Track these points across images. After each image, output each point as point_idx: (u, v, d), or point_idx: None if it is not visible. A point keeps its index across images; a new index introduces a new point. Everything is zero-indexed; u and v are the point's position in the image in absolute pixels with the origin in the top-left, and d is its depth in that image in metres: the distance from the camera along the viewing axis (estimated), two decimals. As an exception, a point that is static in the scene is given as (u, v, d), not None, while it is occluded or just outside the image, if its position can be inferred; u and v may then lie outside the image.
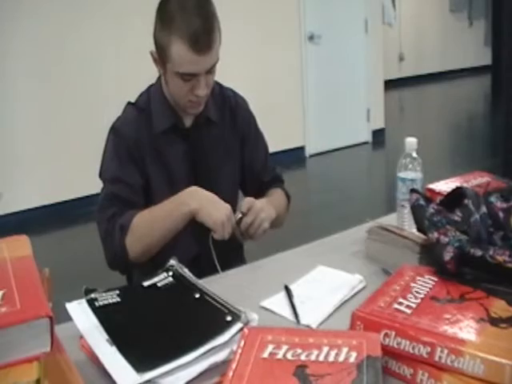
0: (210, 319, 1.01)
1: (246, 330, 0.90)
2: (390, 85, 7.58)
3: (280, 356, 0.82)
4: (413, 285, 1.02)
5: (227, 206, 1.38)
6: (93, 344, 0.95)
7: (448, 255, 1.04)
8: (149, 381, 0.86)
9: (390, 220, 1.49)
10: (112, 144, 1.53)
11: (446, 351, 0.82)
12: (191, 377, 0.88)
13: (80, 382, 0.81)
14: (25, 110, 4.35)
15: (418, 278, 1.05)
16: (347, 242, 1.48)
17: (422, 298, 0.97)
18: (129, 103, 1.58)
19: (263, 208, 1.43)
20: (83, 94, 4.52)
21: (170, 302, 1.09)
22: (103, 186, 1.52)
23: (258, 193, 1.63)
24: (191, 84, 1.41)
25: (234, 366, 0.81)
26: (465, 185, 1.46)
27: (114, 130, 1.53)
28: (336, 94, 6.03)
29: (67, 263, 3.47)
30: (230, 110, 1.63)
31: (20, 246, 0.93)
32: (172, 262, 1.21)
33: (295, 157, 5.70)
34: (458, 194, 1.19)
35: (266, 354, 0.83)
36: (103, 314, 1.01)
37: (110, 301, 1.06)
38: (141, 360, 0.89)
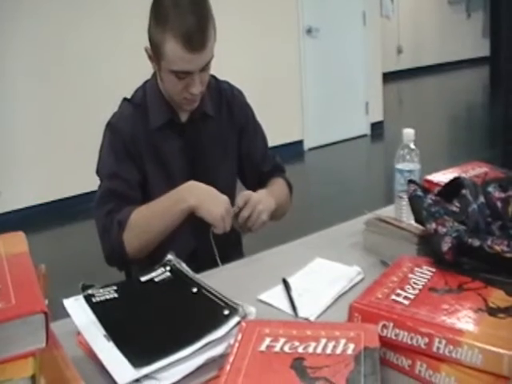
0: (208, 313, 1.01)
1: (243, 324, 0.90)
2: (388, 77, 7.56)
3: (277, 349, 0.82)
4: (411, 276, 1.01)
5: (225, 199, 1.37)
6: (90, 340, 0.94)
7: (446, 245, 1.04)
8: (146, 376, 0.86)
9: (388, 212, 1.48)
10: (108, 140, 1.52)
11: (444, 342, 0.82)
12: (188, 371, 0.88)
13: (77, 377, 0.81)
14: (23, 108, 4.35)
15: (416, 268, 1.04)
16: (345, 234, 1.47)
17: (420, 289, 0.96)
18: (124, 99, 1.57)
19: (261, 200, 1.42)
20: (82, 93, 4.51)
21: (168, 297, 1.09)
22: (100, 182, 1.52)
23: (259, 184, 1.62)
24: (185, 82, 1.41)
25: (231, 359, 0.80)
26: (463, 175, 1.45)
27: (110, 125, 1.52)
28: (334, 87, 6.01)
29: (65, 260, 3.47)
30: (226, 103, 1.63)
31: (16, 242, 0.93)
32: (169, 256, 1.21)
33: (294, 151, 5.69)
34: (455, 185, 1.19)
35: (263, 347, 0.83)
36: (100, 310, 1.01)
37: (108, 297, 1.06)
38: (138, 355, 0.89)
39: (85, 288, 1.08)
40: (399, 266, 1.06)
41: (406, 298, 0.93)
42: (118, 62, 4.57)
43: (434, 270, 1.04)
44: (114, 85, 4.44)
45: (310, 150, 5.91)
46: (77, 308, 1.02)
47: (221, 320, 0.96)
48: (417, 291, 0.95)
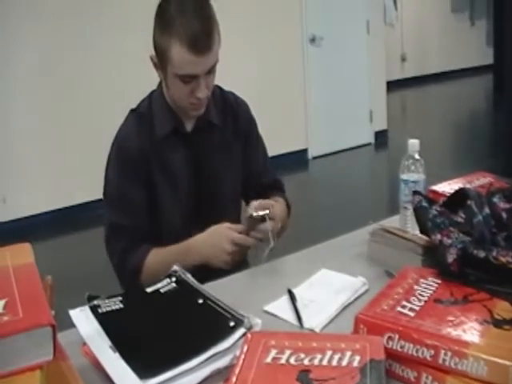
0: (213, 325, 1.01)
1: (249, 335, 0.90)
2: (392, 86, 7.58)
3: (283, 361, 0.82)
4: (416, 287, 1.01)
5: (225, 236, 1.38)
6: (96, 351, 0.95)
7: (451, 257, 1.04)
8: (152, 387, 0.86)
9: (392, 222, 1.48)
10: (115, 161, 1.52)
11: (449, 354, 0.82)
12: (194, 383, 0.88)
13: (83, 389, 0.81)
14: (29, 116, 4.37)
15: (421, 280, 1.04)
16: (350, 245, 1.47)
17: (425, 301, 0.96)
18: (131, 111, 1.57)
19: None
20: (87, 101, 4.53)
21: (173, 308, 1.09)
22: (107, 209, 1.54)
23: (257, 195, 1.62)
24: (191, 86, 1.42)
25: (237, 370, 0.81)
26: (467, 185, 1.45)
27: (117, 144, 1.53)
28: (338, 95, 6.02)
29: (71, 269, 3.47)
30: (231, 112, 1.63)
31: (23, 253, 0.93)
32: (175, 267, 1.21)
33: (298, 159, 5.70)
34: (460, 195, 1.19)
35: (269, 359, 0.83)
36: (106, 321, 1.01)
37: (113, 307, 1.07)
38: (144, 366, 0.89)
39: (90, 299, 1.08)
40: (404, 277, 1.06)
41: (411, 309, 0.93)
42: (121, 66, 4.60)
43: (439, 281, 1.04)
44: (117, 90, 4.49)
45: (315, 158, 5.91)
46: (83, 319, 1.03)
47: (226, 331, 0.96)
48: (422, 303, 0.96)
